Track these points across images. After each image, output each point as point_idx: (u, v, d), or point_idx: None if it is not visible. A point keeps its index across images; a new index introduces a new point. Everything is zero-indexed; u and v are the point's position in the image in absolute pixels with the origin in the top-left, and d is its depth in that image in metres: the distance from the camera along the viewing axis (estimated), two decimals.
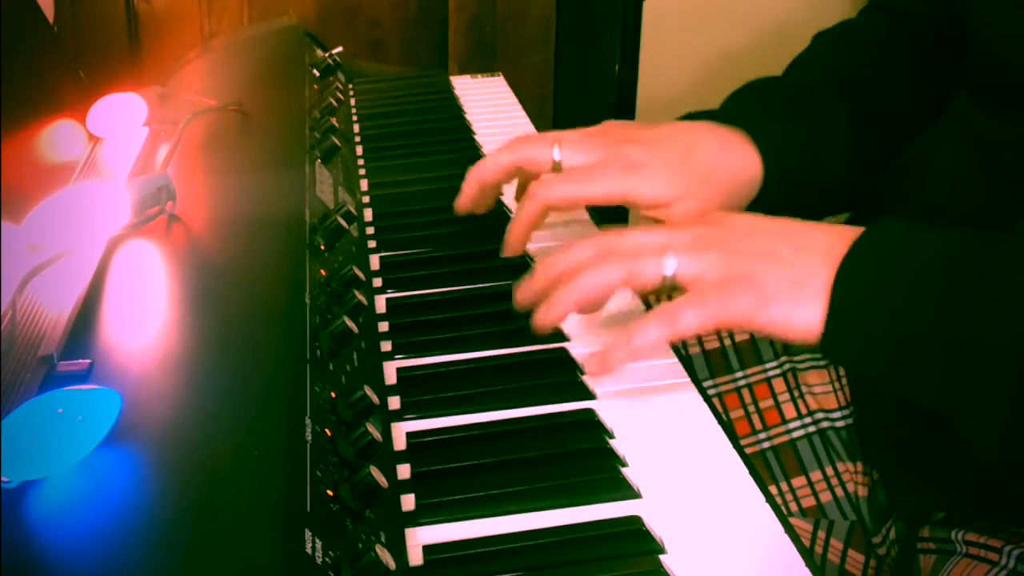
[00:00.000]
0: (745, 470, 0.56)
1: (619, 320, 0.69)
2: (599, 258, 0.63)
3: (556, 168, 0.74)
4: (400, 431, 0.59)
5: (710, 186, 0.74)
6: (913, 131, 0.82)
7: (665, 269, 0.61)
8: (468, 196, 0.78)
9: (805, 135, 0.79)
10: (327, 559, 0.44)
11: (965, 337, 0.55)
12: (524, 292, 0.66)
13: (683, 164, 0.74)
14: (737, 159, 0.76)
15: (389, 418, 0.60)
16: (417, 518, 0.53)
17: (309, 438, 0.50)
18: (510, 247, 0.75)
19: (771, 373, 0.85)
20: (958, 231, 0.60)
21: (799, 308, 0.59)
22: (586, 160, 0.74)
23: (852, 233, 0.61)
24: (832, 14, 0.91)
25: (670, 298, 0.62)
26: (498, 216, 0.81)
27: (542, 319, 0.63)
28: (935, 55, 0.85)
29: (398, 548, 0.50)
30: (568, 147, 0.74)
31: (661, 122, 0.78)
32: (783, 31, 2.06)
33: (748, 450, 0.83)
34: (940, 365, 0.56)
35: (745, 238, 0.62)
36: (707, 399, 0.63)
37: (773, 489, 0.81)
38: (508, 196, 0.92)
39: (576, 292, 0.62)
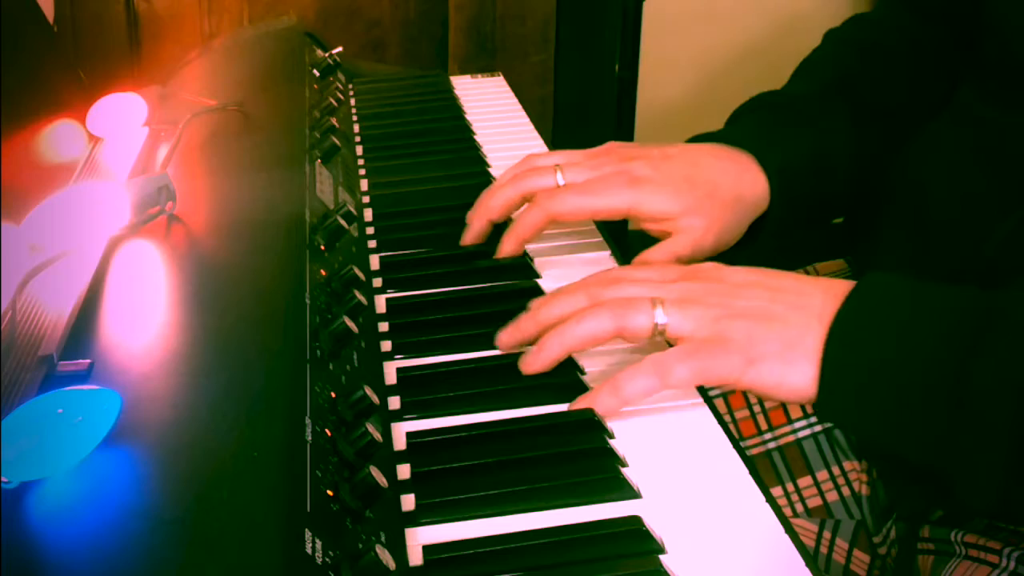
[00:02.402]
0: (745, 470, 0.56)
1: None
2: (590, 307, 0.63)
3: None
4: (400, 431, 0.59)
5: (714, 202, 0.74)
6: (920, 130, 0.82)
7: (656, 318, 0.61)
8: (477, 231, 0.78)
9: (810, 152, 0.79)
10: (327, 559, 0.44)
11: (959, 402, 0.55)
12: (510, 335, 0.66)
13: (687, 180, 0.74)
14: (741, 179, 0.76)
15: (389, 418, 0.60)
16: (417, 518, 0.53)
17: (309, 438, 0.50)
18: (504, 251, 0.75)
19: None
20: (951, 288, 0.59)
21: (790, 369, 0.59)
22: (590, 177, 0.74)
23: (845, 288, 0.60)
24: (836, 14, 0.90)
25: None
26: None
27: (531, 365, 0.63)
28: (948, 50, 0.84)
29: (398, 548, 0.50)
30: (571, 170, 0.75)
31: (664, 143, 0.78)
32: (784, 32, 2.06)
33: (754, 451, 0.83)
34: (933, 428, 0.56)
35: (737, 295, 0.62)
36: (707, 399, 0.63)
37: (779, 490, 0.81)
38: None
39: (567, 340, 0.62)
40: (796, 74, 0.87)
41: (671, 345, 0.62)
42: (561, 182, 0.75)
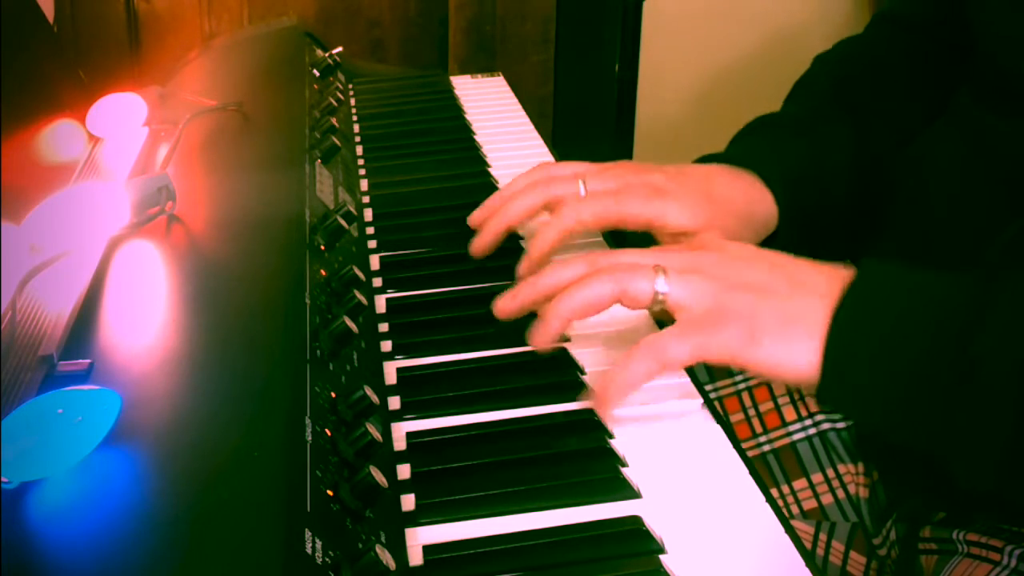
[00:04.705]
0: (745, 470, 0.56)
1: (622, 322, 0.69)
2: (591, 273, 0.62)
3: None
4: (400, 431, 0.59)
5: (730, 217, 0.74)
6: (919, 134, 0.82)
7: (657, 285, 0.60)
8: (492, 237, 0.76)
9: (810, 159, 0.79)
10: (327, 559, 0.44)
11: (961, 385, 0.54)
12: (508, 302, 0.65)
13: (705, 194, 0.74)
14: (750, 196, 0.77)
15: (389, 418, 0.60)
16: (417, 518, 0.53)
17: (309, 438, 0.50)
18: (531, 263, 0.73)
19: None
20: (951, 273, 0.59)
21: (790, 347, 0.58)
22: (614, 186, 0.74)
23: (847, 274, 0.60)
24: (834, 15, 0.91)
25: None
26: None
27: (540, 340, 0.62)
28: (940, 60, 0.85)
29: (398, 548, 0.50)
30: (593, 180, 0.74)
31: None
32: (784, 31, 2.06)
33: (749, 453, 0.83)
34: (936, 411, 0.55)
35: (740, 268, 0.61)
36: (707, 400, 0.63)
37: (774, 492, 0.81)
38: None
39: (567, 307, 0.61)
40: (791, 96, 0.88)
41: (669, 318, 0.62)
42: (583, 192, 0.74)
